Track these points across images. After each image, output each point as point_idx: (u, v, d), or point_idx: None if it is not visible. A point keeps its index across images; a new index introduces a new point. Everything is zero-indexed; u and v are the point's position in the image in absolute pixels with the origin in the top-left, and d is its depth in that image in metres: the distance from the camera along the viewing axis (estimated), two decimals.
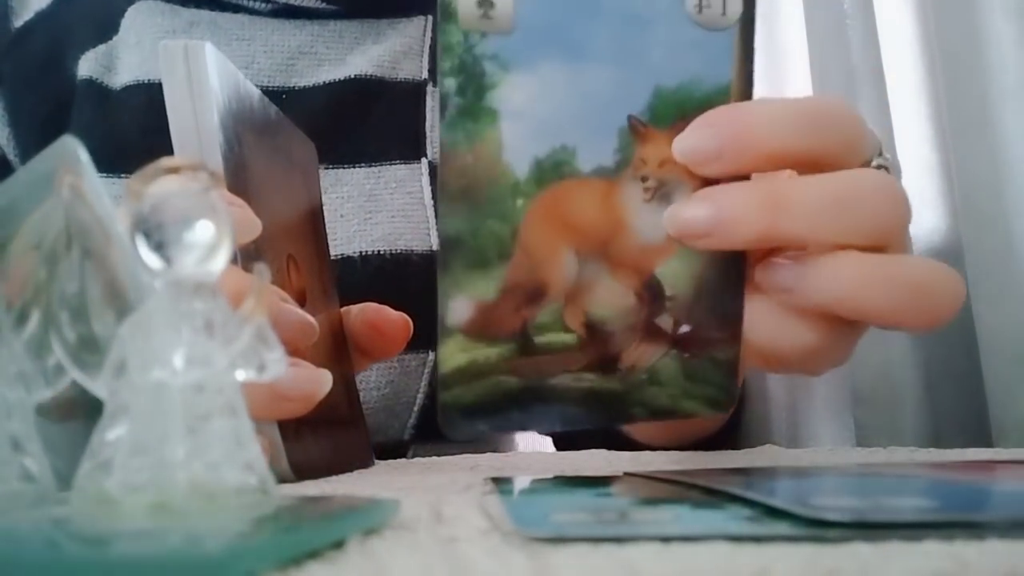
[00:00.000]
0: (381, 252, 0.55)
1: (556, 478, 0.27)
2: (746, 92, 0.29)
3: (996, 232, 0.58)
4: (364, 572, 0.14)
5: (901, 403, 0.62)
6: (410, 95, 0.60)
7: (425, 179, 0.57)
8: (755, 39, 0.29)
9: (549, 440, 0.65)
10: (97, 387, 0.19)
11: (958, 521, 0.16)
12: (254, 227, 0.32)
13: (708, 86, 0.29)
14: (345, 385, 0.42)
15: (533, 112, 0.28)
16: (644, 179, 0.29)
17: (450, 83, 0.28)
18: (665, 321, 0.30)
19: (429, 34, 0.62)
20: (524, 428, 0.29)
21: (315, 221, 0.43)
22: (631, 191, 0.29)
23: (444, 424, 0.29)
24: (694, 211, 0.28)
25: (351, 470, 0.38)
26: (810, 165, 0.30)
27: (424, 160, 0.58)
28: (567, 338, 0.29)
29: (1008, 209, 0.57)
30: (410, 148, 0.58)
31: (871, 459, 0.37)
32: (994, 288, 0.58)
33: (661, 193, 0.29)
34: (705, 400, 0.31)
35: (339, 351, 0.42)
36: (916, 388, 0.62)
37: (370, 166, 0.56)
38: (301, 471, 0.32)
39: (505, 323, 0.29)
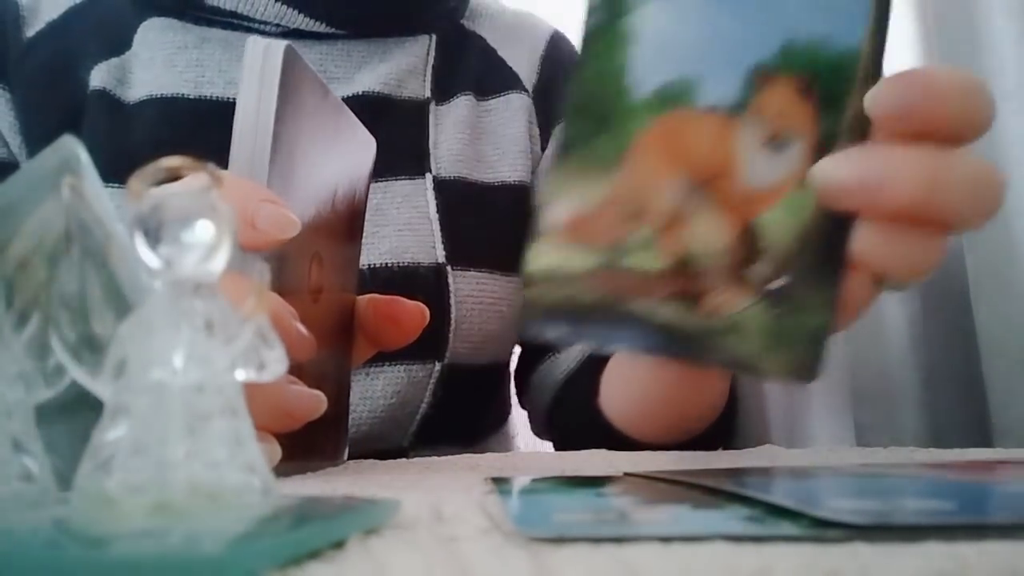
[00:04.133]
0: (389, 264, 0.55)
1: (556, 478, 0.27)
2: (877, 59, 0.29)
3: (996, 233, 0.58)
4: (364, 572, 0.14)
5: (901, 403, 0.62)
6: (414, 113, 0.62)
7: (430, 193, 0.59)
8: (891, 6, 0.29)
9: (549, 442, 0.66)
10: (97, 387, 0.19)
11: (972, 524, 0.16)
12: (293, 225, 0.32)
13: (838, 46, 0.29)
14: (339, 384, 0.42)
15: (665, 40, 0.29)
16: (761, 125, 0.29)
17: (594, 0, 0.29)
18: (758, 271, 0.29)
19: (432, 54, 0.64)
20: (601, 343, 0.30)
21: (352, 217, 0.44)
22: (747, 134, 0.29)
23: (523, 325, 0.29)
24: (851, 169, 0.28)
25: (316, 468, 0.38)
26: (962, 134, 0.29)
27: (428, 175, 0.60)
28: (655, 265, 0.29)
29: (1008, 209, 0.57)
30: (415, 164, 0.60)
31: (871, 459, 0.37)
32: (994, 289, 0.58)
33: (776, 142, 0.29)
34: (784, 364, 0.29)
35: (345, 347, 0.43)
36: (916, 388, 0.62)
37: (376, 181, 0.57)
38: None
39: (599, 234, 0.29)
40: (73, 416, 0.22)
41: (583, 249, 0.29)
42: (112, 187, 0.21)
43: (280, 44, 0.34)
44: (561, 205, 0.29)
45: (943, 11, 0.61)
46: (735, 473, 0.27)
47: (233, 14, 0.58)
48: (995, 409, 0.58)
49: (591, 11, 0.29)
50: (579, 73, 0.29)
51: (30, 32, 0.61)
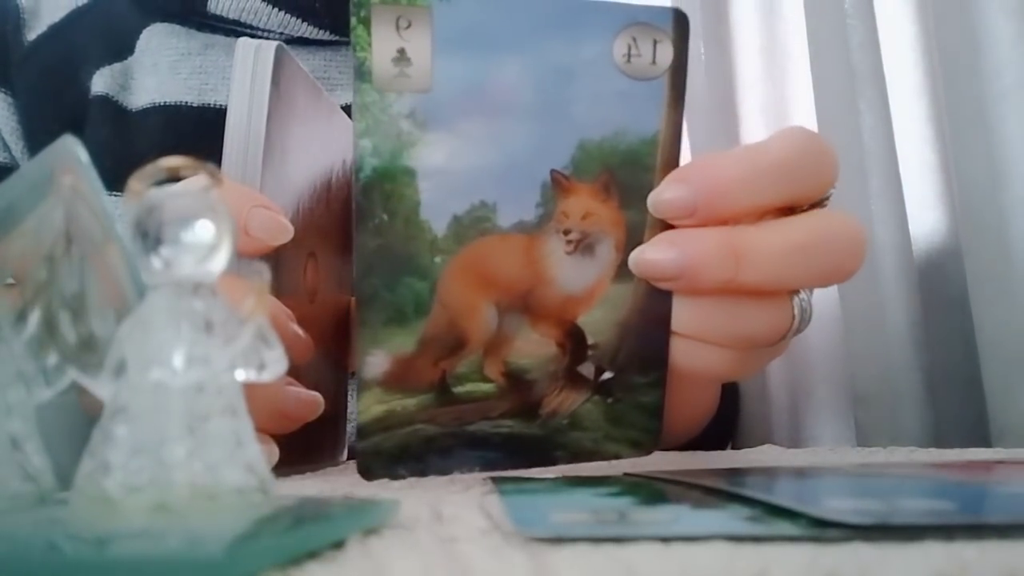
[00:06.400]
0: None
1: (556, 478, 0.27)
2: (675, 141, 0.29)
3: (995, 233, 0.58)
4: (364, 572, 0.14)
5: (901, 404, 0.62)
6: None
7: None
8: (686, 86, 0.29)
9: None
10: (97, 387, 0.19)
11: (972, 524, 0.16)
12: (286, 232, 0.33)
13: (635, 137, 0.29)
14: (336, 384, 0.42)
15: (452, 169, 0.28)
16: (566, 232, 0.29)
17: (365, 144, 0.27)
18: (587, 368, 0.30)
19: None
20: (444, 472, 0.29)
21: (347, 217, 0.44)
22: (553, 244, 0.29)
23: (363, 470, 0.28)
24: (661, 254, 0.28)
25: (315, 468, 0.38)
26: (782, 209, 0.30)
27: None
28: (486, 387, 0.29)
29: (1007, 210, 0.57)
30: None
31: (871, 459, 0.37)
32: (993, 289, 0.58)
33: (584, 245, 0.29)
34: (627, 442, 0.31)
35: (341, 347, 0.43)
36: (916, 389, 0.62)
37: None
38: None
39: (423, 375, 0.29)
40: (73, 416, 0.22)
41: (409, 392, 0.28)
42: (115, 195, 0.21)
43: (271, 45, 0.34)
44: (376, 358, 0.28)
45: (942, 11, 0.61)
46: (735, 473, 0.27)
47: (236, 23, 0.58)
48: (994, 409, 0.58)
49: (362, 158, 0.27)
50: (367, 222, 0.27)
51: (31, 35, 0.61)
